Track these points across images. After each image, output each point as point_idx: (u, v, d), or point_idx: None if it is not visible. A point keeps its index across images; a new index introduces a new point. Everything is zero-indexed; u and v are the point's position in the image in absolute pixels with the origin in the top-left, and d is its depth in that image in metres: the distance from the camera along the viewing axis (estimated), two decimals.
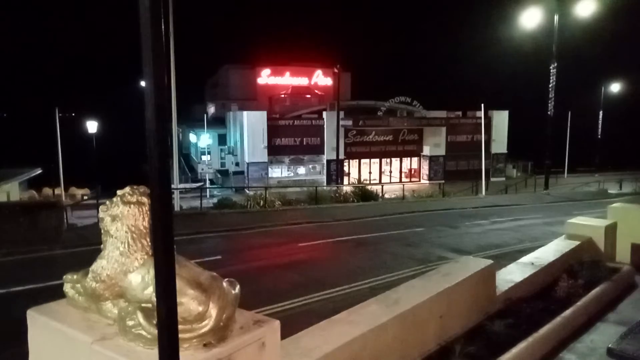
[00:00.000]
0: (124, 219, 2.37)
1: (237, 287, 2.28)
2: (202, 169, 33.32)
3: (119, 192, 2.48)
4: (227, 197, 23.58)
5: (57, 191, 25.53)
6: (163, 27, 1.66)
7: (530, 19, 25.90)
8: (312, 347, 3.44)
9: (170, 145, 17.87)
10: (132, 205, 2.38)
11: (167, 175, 1.75)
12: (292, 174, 37.83)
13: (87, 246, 10.51)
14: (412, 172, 42.56)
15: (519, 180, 37.21)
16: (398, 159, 42.04)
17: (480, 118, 31.76)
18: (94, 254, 2.41)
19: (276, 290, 8.49)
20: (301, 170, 38.17)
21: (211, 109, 52.06)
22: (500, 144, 42.53)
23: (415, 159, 42.53)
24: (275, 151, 36.70)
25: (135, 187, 2.50)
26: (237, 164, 39.18)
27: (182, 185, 26.18)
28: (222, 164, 42.00)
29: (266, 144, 35.96)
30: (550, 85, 26.73)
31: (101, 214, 2.46)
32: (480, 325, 5.06)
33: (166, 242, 1.73)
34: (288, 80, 48.12)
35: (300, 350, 3.39)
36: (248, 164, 36.06)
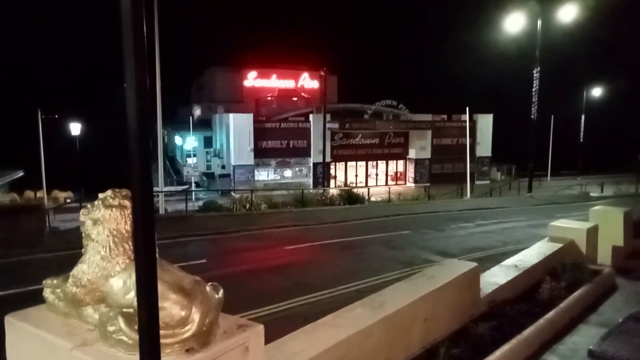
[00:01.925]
0: (105, 222, 2.33)
1: (221, 292, 2.26)
2: (188, 172, 33.13)
3: (100, 196, 2.44)
4: (212, 200, 23.43)
5: (39, 194, 25.12)
6: (145, 27, 1.64)
7: (514, 24, 26.27)
8: (297, 351, 3.43)
9: (154, 148, 17.75)
10: (113, 209, 2.35)
11: (149, 178, 1.74)
12: (278, 177, 37.76)
13: (69, 250, 10.32)
14: (398, 175, 42.78)
15: (503, 184, 37.64)
16: (384, 161, 42.23)
17: (465, 121, 32.08)
18: (77, 258, 2.37)
19: (262, 294, 8.45)
20: (288, 173, 38.13)
21: (197, 111, 51.74)
22: (485, 148, 43.00)
23: (401, 162, 42.77)
24: (261, 154, 36.60)
25: (117, 190, 2.47)
26: (223, 167, 38.99)
27: (167, 188, 25.96)
28: (208, 167, 41.78)
29: (252, 147, 35.85)
30: (533, 90, 27.12)
31: (82, 218, 2.42)
32: (464, 328, 5.10)
33: (148, 245, 1.71)
34: (275, 82, 48.08)
35: (285, 354, 3.38)
36: (234, 166, 35.89)
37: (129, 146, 1.71)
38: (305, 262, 11.29)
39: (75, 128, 27.57)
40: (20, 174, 23.37)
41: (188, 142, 39.68)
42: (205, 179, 38.98)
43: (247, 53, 54.09)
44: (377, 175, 42.33)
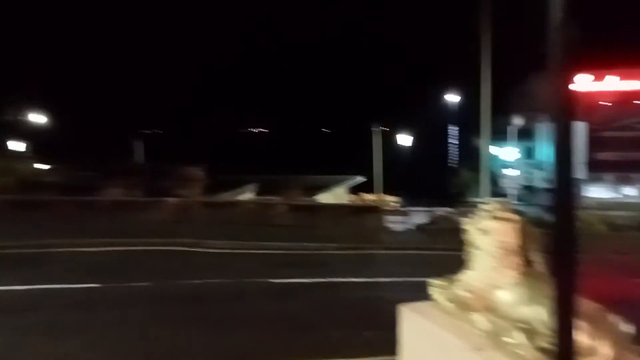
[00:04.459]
0: (493, 234, 2.40)
1: (631, 326, 2.00)
2: (505, 183, 31.97)
3: (486, 207, 2.53)
4: (534, 216, 21.88)
5: (370, 197, 28.76)
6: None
7: None
8: None
9: (478, 158, 17.67)
10: (502, 222, 2.39)
11: (572, 196, 1.67)
12: (619, 195, 32.32)
13: (403, 250, 11.29)
14: None
15: None
16: None
17: None
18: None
19: None
20: (630, 190, 32.20)
21: (515, 120, 49.47)
22: None
23: None
24: (593, 167, 32.07)
25: (501, 202, 2.53)
26: (546, 181, 35.99)
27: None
28: (528, 179, 39.33)
29: (585, 160, 31.78)
30: None
31: (468, 227, 2.56)
32: None
33: (569, 269, 1.64)
34: (612, 85, 41.39)
35: None
36: None
37: (556, 160, 1.69)
38: None
39: (404, 139, 30.40)
40: (359, 179, 27.29)
41: (505, 152, 38.35)
42: (526, 192, 36.87)
43: (578, 55, 48.33)
44: None
